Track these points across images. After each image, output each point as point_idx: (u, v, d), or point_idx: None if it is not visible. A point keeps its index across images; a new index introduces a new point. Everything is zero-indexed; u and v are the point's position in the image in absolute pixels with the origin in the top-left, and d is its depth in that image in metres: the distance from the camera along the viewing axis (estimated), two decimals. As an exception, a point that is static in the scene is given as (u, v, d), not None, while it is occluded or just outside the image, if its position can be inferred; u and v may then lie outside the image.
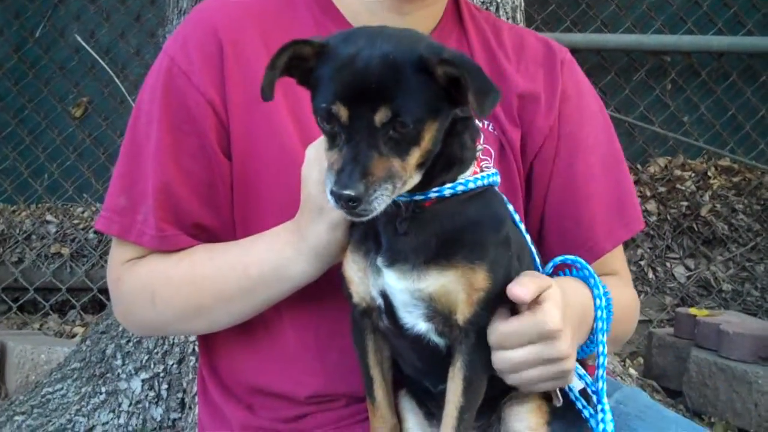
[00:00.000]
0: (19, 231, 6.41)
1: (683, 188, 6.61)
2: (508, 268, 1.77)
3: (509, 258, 1.77)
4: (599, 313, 1.93)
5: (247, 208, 2.10)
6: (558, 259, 2.01)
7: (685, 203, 6.51)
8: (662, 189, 6.59)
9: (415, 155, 1.60)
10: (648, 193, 6.53)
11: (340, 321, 1.91)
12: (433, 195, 1.71)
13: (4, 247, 6.33)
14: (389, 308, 1.77)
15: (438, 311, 1.73)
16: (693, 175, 6.75)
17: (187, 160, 2.07)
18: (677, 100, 6.97)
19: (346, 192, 1.52)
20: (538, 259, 1.97)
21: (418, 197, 1.70)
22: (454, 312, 1.71)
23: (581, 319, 1.90)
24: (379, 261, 1.74)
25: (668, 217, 6.43)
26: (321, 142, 1.80)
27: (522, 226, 1.92)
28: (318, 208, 1.84)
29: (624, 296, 2.27)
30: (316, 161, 1.82)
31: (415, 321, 1.75)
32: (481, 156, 2.15)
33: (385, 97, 1.56)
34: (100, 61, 6.49)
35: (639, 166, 6.79)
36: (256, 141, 2.07)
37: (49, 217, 6.58)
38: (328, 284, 1.94)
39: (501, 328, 1.73)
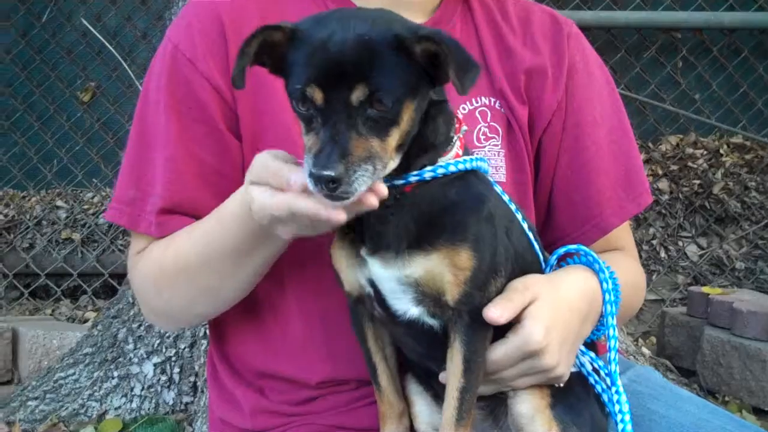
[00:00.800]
0: (29, 217, 6.41)
1: (695, 166, 6.55)
2: (495, 244, 1.75)
3: (494, 234, 1.75)
4: (607, 296, 1.94)
5: None
6: (561, 250, 2.01)
7: (698, 181, 6.45)
8: (674, 167, 6.53)
9: (395, 136, 1.57)
10: (660, 172, 6.47)
11: (346, 307, 1.90)
12: (413, 179, 1.68)
13: (15, 234, 6.34)
14: (379, 296, 1.76)
15: (427, 294, 1.72)
16: (705, 152, 6.68)
17: (195, 147, 2.05)
18: (688, 77, 6.90)
19: (326, 173, 1.47)
20: (531, 236, 1.95)
21: (398, 182, 1.67)
22: (443, 294, 1.70)
23: (587, 311, 1.91)
24: (363, 250, 1.73)
25: (680, 195, 6.37)
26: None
27: (513, 206, 1.90)
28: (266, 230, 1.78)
29: (631, 271, 2.27)
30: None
31: (406, 306, 1.75)
32: (488, 134, 2.15)
33: (361, 75, 1.52)
34: (107, 45, 6.45)
35: (651, 144, 6.73)
36: (263, 120, 2.06)
37: (59, 203, 6.58)
38: (333, 270, 1.92)
39: (489, 357, 1.76)
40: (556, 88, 2.21)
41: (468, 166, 1.74)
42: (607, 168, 2.24)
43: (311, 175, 1.49)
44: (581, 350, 1.94)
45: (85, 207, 6.50)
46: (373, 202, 1.55)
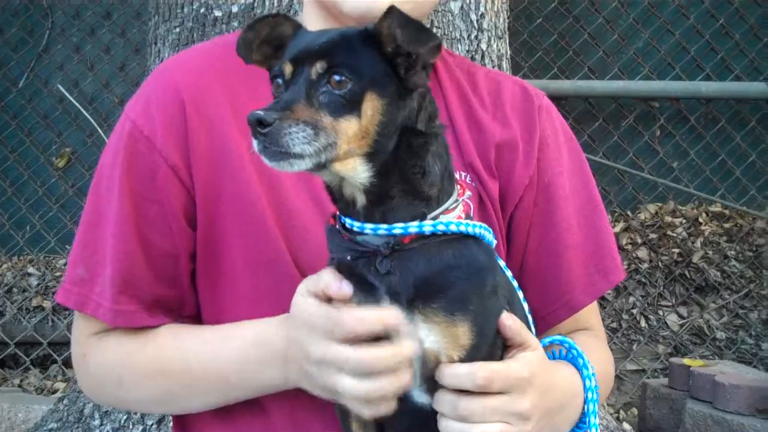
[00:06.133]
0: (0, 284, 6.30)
1: (674, 235, 6.55)
2: (498, 320, 1.69)
3: (498, 308, 1.69)
4: (590, 394, 1.89)
5: (216, 270, 2.03)
6: (546, 341, 1.96)
7: (677, 250, 6.44)
8: (653, 236, 6.52)
9: (351, 123, 1.54)
10: (639, 240, 6.46)
11: None
12: (412, 230, 1.62)
13: (-16, 301, 6.23)
14: None
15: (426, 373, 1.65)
16: (684, 221, 6.69)
17: (147, 228, 2.00)
18: (666, 146, 6.93)
19: (257, 112, 1.48)
20: (529, 315, 1.90)
21: (397, 230, 1.61)
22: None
23: (565, 402, 1.86)
24: (384, 297, 1.64)
25: (660, 264, 6.36)
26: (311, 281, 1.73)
27: (514, 281, 1.86)
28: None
29: (602, 356, 2.21)
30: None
31: None
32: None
33: (325, 54, 1.57)
34: (83, 111, 6.43)
35: (629, 213, 6.72)
36: (222, 200, 2.00)
37: (30, 270, 6.48)
38: None
39: (478, 373, 1.65)
40: (527, 163, 2.17)
41: (470, 230, 1.68)
42: (577, 244, 2.19)
43: (247, 120, 1.51)
44: None
45: (57, 274, 6.40)
46: None
